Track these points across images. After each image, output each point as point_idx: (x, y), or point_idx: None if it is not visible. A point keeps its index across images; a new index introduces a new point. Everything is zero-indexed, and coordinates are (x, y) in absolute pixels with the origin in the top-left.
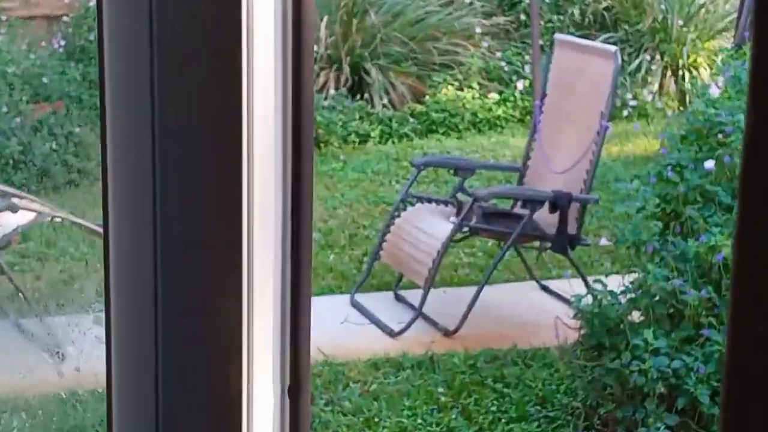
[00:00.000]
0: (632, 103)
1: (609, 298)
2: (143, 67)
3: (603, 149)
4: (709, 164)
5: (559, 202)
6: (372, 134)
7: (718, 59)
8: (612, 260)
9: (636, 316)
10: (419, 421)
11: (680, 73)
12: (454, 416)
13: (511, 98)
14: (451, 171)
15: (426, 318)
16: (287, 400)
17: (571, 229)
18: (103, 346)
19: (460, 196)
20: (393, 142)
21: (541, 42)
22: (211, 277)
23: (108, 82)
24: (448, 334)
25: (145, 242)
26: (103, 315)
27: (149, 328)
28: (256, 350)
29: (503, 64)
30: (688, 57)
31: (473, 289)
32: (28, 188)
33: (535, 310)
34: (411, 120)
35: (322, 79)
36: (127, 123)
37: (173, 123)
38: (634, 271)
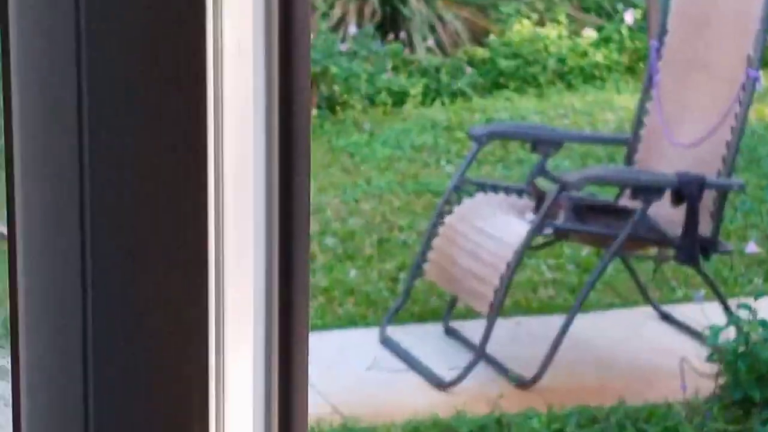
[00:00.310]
0: None
1: (760, 331)
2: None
3: (751, 111)
4: None
5: (686, 190)
6: (412, 92)
7: None
8: (765, 275)
9: None
10: None
11: None
12: None
13: (616, 37)
14: (528, 145)
15: (491, 361)
16: None
17: (705, 229)
18: (9, 410)
19: (541, 182)
20: (442, 103)
21: None
22: (163, 307)
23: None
24: (523, 384)
25: (71, 255)
26: (6, 362)
27: (75, 386)
28: (227, 411)
29: None
30: None
31: (560, 319)
32: None
33: (651, 349)
34: (468, 70)
35: (337, 12)
36: (40, 82)
37: (102, 77)
38: None
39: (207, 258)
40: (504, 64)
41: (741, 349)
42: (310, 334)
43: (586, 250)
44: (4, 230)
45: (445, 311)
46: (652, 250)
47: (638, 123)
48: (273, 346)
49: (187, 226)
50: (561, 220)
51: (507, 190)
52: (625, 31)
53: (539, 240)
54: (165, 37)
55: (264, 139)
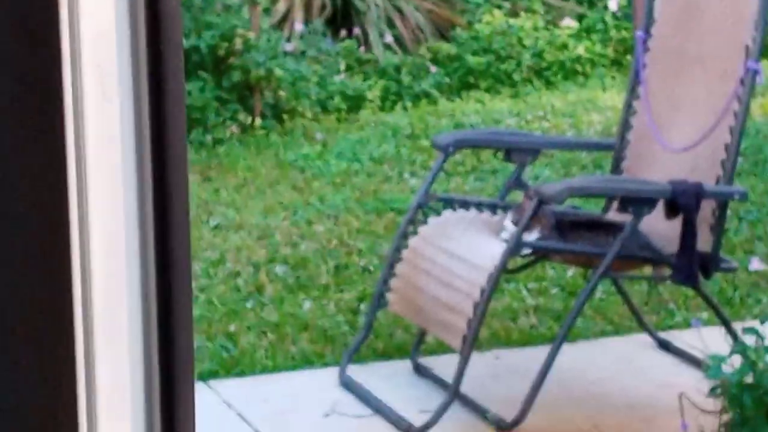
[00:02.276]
0: None
1: None
2: None
3: (755, 107)
4: None
5: (681, 201)
6: (369, 96)
7: None
8: None
9: None
10: None
11: None
12: None
13: (599, 26)
14: (501, 154)
15: (466, 402)
16: None
17: (704, 244)
18: None
19: (517, 195)
20: (404, 108)
21: None
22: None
23: None
24: (503, 427)
25: None
26: None
27: None
28: None
29: None
30: None
31: (544, 351)
32: None
33: (648, 383)
34: (433, 69)
35: (281, 7)
36: None
37: None
38: None
39: (70, 296)
40: (473, 60)
41: (747, 381)
42: (260, 378)
43: (571, 272)
44: None
45: (412, 346)
46: (646, 270)
47: (625, 125)
48: (153, 393)
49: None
50: (542, 237)
51: (479, 206)
52: (609, 20)
53: (518, 262)
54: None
55: (133, 140)
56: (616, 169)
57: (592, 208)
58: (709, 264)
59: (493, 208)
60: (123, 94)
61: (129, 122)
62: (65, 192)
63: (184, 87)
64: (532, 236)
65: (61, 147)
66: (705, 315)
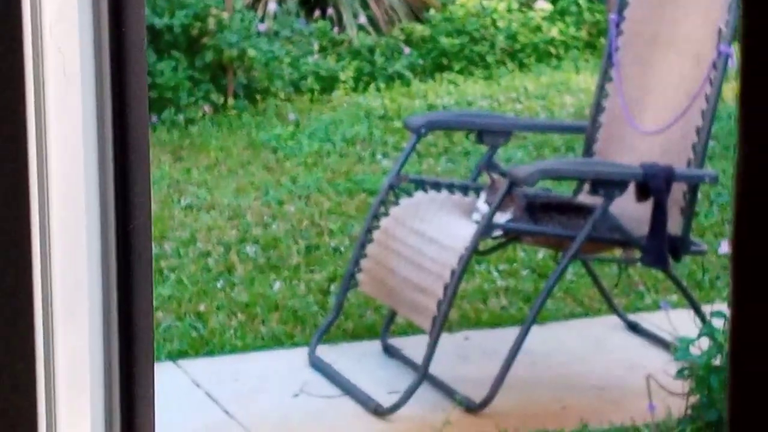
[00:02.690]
0: None
1: (728, 342)
2: None
3: (727, 91)
4: None
5: (652, 184)
6: (342, 77)
7: None
8: None
9: None
10: None
11: None
12: None
13: (573, 9)
14: (473, 135)
15: (435, 383)
16: None
17: (674, 227)
18: None
19: (489, 176)
20: (377, 89)
21: None
22: None
23: None
24: (472, 408)
25: None
26: None
27: None
28: None
29: None
30: None
31: (514, 332)
32: None
33: (616, 364)
34: (406, 51)
35: None
36: None
37: None
38: None
39: (30, 285)
40: (446, 42)
41: (714, 363)
42: (229, 357)
43: (542, 253)
44: None
45: (382, 327)
46: (617, 252)
47: (597, 108)
48: (113, 376)
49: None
50: (513, 219)
51: (451, 188)
52: (583, 3)
53: (488, 243)
54: None
55: (94, 124)
56: (588, 151)
57: (563, 190)
58: (679, 247)
59: (464, 189)
60: (84, 77)
61: (90, 104)
62: (26, 174)
63: (146, 69)
64: (503, 218)
65: (23, 130)
66: (674, 298)
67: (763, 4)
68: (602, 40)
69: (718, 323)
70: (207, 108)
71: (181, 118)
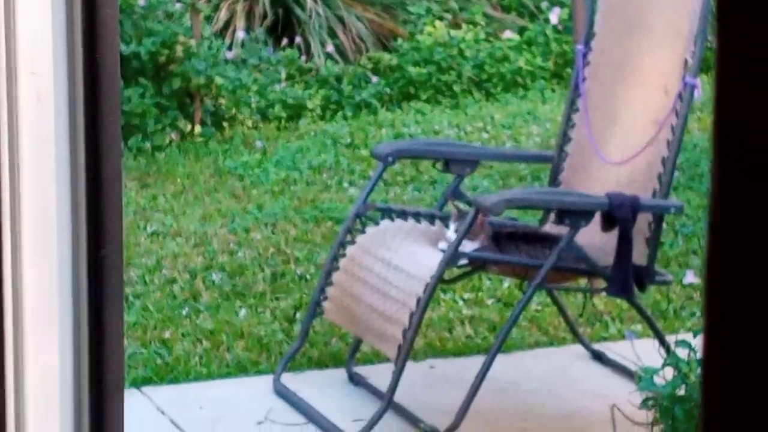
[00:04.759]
0: None
1: (700, 371)
2: None
3: (693, 122)
4: None
5: (617, 213)
6: (309, 105)
7: None
8: None
9: None
10: None
11: None
12: None
13: (540, 39)
14: (440, 164)
15: (401, 411)
16: None
17: (639, 257)
18: None
19: (456, 206)
20: (344, 117)
21: None
22: None
23: None
24: None
25: None
26: None
27: None
28: None
29: None
30: None
31: (479, 361)
32: None
33: (581, 393)
34: (374, 79)
35: (223, 15)
36: None
37: None
38: None
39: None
40: (414, 71)
41: (678, 393)
42: (194, 385)
43: (507, 282)
44: None
45: (348, 355)
46: (582, 282)
47: (563, 137)
48: (82, 406)
49: None
50: (479, 248)
51: (417, 216)
52: (550, 33)
53: (454, 272)
54: None
55: (67, 148)
56: (554, 181)
57: (529, 219)
58: (644, 277)
59: (431, 218)
60: (58, 101)
61: (63, 128)
62: None
63: (119, 95)
64: (470, 247)
65: None
66: (639, 327)
67: (737, 34)
68: (569, 70)
69: (683, 353)
70: (174, 135)
71: (148, 144)
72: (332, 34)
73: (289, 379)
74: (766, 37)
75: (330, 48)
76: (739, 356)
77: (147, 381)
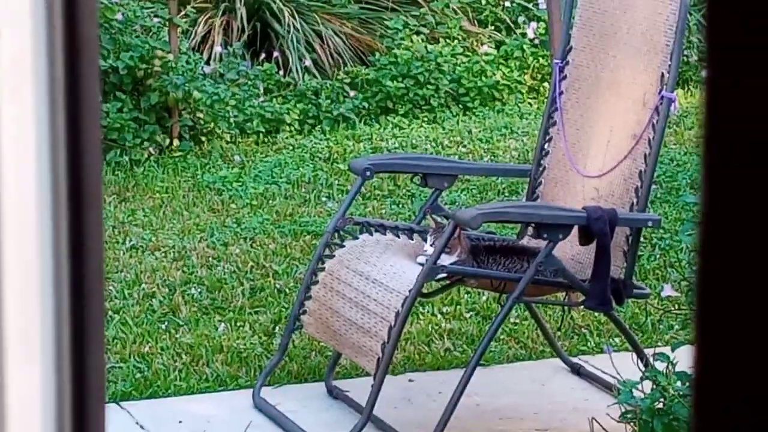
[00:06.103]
0: None
1: (679, 384)
2: None
3: (670, 136)
4: None
5: (595, 227)
6: (287, 119)
7: None
8: (685, 321)
9: None
10: None
11: None
12: None
13: (517, 53)
14: (418, 178)
15: (379, 425)
16: None
17: (617, 270)
18: None
19: (434, 219)
20: (322, 131)
21: None
22: None
23: None
24: None
25: None
26: None
27: None
28: None
29: None
30: None
31: (458, 374)
32: None
33: (560, 406)
34: (351, 94)
35: (201, 29)
36: None
37: None
38: None
39: None
40: (392, 85)
41: (657, 406)
42: (173, 399)
43: (485, 296)
44: None
45: (327, 369)
46: (560, 295)
47: (540, 151)
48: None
49: None
50: (457, 261)
51: (396, 230)
52: (527, 47)
53: (433, 285)
54: None
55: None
56: (532, 194)
57: (507, 233)
58: (621, 290)
59: (409, 232)
60: (39, 118)
61: (45, 147)
62: None
63: (99, 112)
64: (448, 260)
65: None
66: (617, 340)
67: (726, 46)
68: (546, 84)
69: (661, 366)
70: (152, 149)
71: (126, 159)
72: (310, 49)
73: (268, 394)
74: (755, 27)
75: (308, 62)
76: (732, 366)
77: (126, 396)
